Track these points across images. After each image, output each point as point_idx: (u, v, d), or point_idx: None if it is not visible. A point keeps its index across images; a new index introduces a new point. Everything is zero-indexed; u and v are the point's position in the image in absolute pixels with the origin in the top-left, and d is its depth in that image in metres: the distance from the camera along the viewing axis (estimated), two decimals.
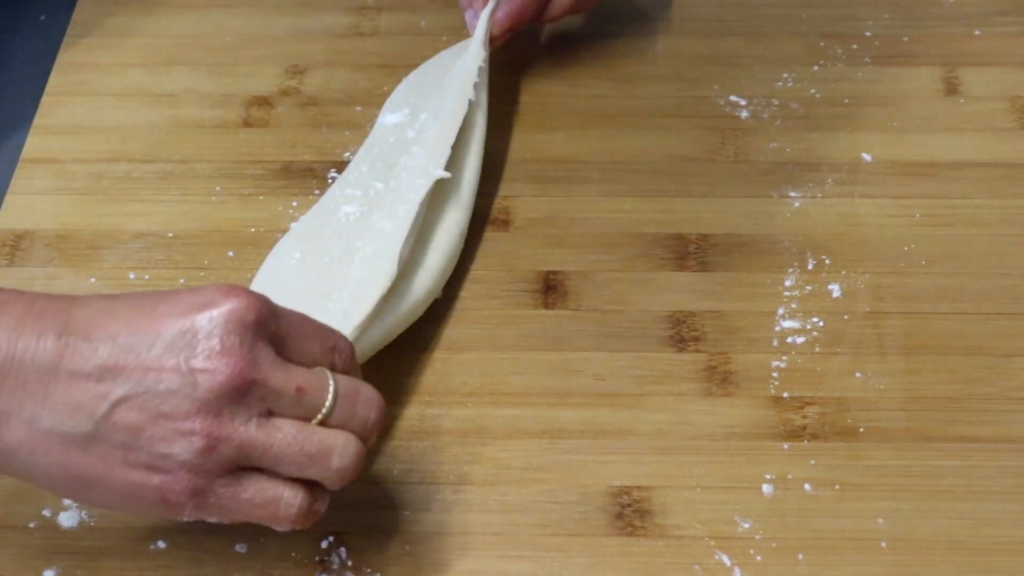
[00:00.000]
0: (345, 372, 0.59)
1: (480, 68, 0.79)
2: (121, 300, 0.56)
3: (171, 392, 0.54)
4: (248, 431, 0.55)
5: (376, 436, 0.59)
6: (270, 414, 0.56)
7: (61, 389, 0.54)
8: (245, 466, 0.56)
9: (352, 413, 0.57)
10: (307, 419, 0.56)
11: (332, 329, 0.60)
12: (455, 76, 0.80)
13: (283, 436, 0.55)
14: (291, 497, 0.56)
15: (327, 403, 0.56)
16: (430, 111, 0.78)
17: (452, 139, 0.75)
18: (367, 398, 0.58)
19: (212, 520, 0.57)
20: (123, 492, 0.56)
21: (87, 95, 0.86)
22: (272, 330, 0.56)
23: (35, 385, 0.54)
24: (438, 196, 0.74)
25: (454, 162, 0.75)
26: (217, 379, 0.54)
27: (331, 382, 0.57)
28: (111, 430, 0.54)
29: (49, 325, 0.55)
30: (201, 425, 0.54)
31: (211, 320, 0.55)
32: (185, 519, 0.57)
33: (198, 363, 0.54)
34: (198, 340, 0.54)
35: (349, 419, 0.57)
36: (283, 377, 0.55)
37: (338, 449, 0.56)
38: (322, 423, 0.56)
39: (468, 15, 0.83)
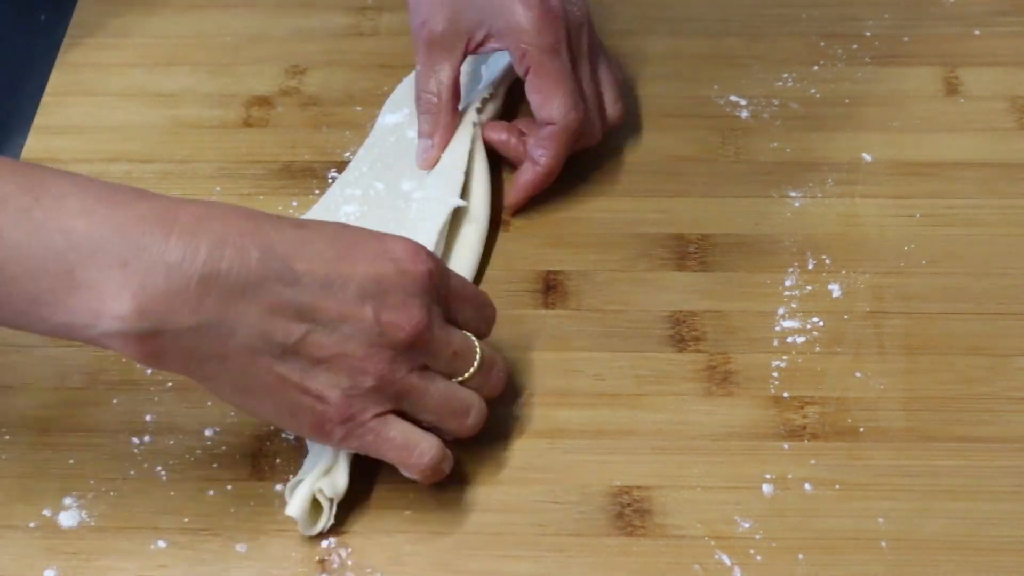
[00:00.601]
0: (486, 335, 0.66)
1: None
2: (314, 232, 0.61)
3: (357, 335, 0.60)
4: (410, 379, 0.62)
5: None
6: (425, 367, 0.62)
7: (260, 312, 0.58)
8: (395, 409, 0.62)
9: (487, 380, 0.65)
10: (452, 377, 0.64)
11: (483, 295, 0.67)
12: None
13: (435, 388, 0.63)
14: (428, 447, 0.63)
15: (472, 368, 0.64)
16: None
17: (464, 166, 0.76)
18: (500, 368, 0.66)
19: (353, 450, 0.63)
20: (289, 409, 0.61)
21: (87, 95, 0.86)
22: (442, 292, 0.63)
23: (236, 300, 0.58)
24: (455, 218, 0.75)
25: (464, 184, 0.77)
26: (399, 332, 0.60)
27: (478, 351, 0.64)
28: (296, 356, 0.59)
29: (251, 243, 0.58)
30: (375, 367, 0.60)
31: (401, 275, 0.61)
32: (330, 446, 0.63)
33: (386, 315, 0.60)
34: (388, 293, 0.60)
35: (484, 384, 0.65)
36: (445, 339, 0.63)
37: (475, 408, 0.64)
38: (463, 383, 0.64)
39: (423, 144, 0.79)
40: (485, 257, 0.76)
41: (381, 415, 0.62)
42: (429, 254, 0.62)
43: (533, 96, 0.77)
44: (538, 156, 0.77)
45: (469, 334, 0.64)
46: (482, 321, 0.66)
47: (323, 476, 0.63)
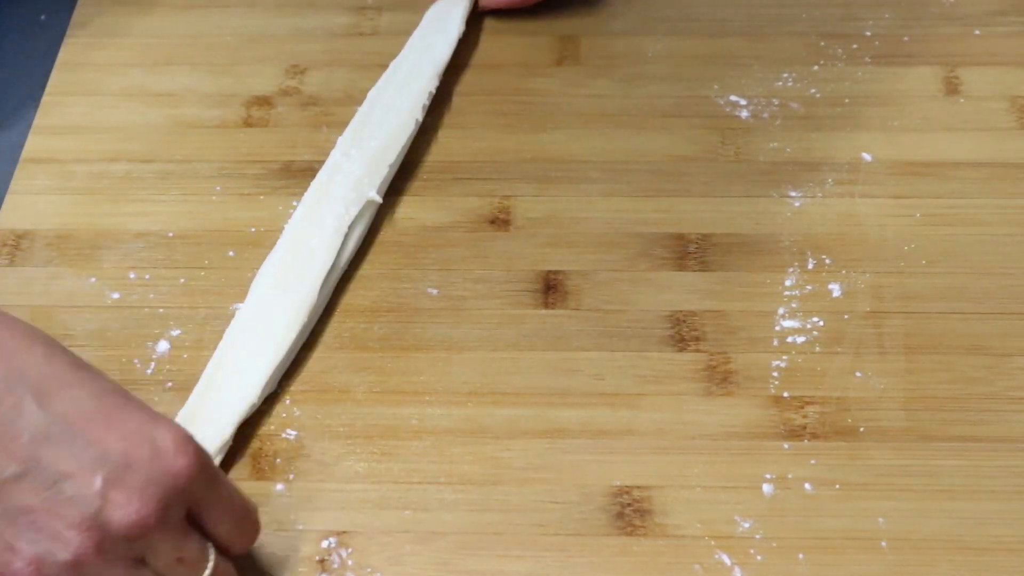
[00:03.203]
0: (238, 552, 0.59)
1: (430, 93, 0.82)
2: (86, 378, 0.56)
3: (73, 502, 0.54)
4: (116, 571, 0.55)
5: None
6: (142, 562, 0.56)
7: None
8: None
9: None
10: None
11: (251, 511, 0.60)
12: (411, 86, 0.82)
13: None
14: None
15: None
16: (384, 106, 0.81)
17: (391, 160, 0.78)
18: None
19: None
20: None
21: (87, 95, 0.86)
22: (199, 495, 0.56)
23: None
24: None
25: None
26: (121, 518, 0.54)
27: (210, 565, 0.57)
28: (1, 494, 0.54)
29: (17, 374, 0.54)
30: (78, 543, 0.54)
31: (152, 461, 0.54)
32: None
33: (115, 494, 0.54)
34: (129, 473, 0.54)
35: None
36: (173, 543, 0.56)
37: None
38: None
39: None
40: (483, 257, 0.76)
41: None
42: (198, 453, 0.56)
43: None
44: None
45: (209, 546, 0.58)
46: (237, 537, 0.59)
47: None
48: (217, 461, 0.66)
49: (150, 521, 0.54)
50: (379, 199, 0.76)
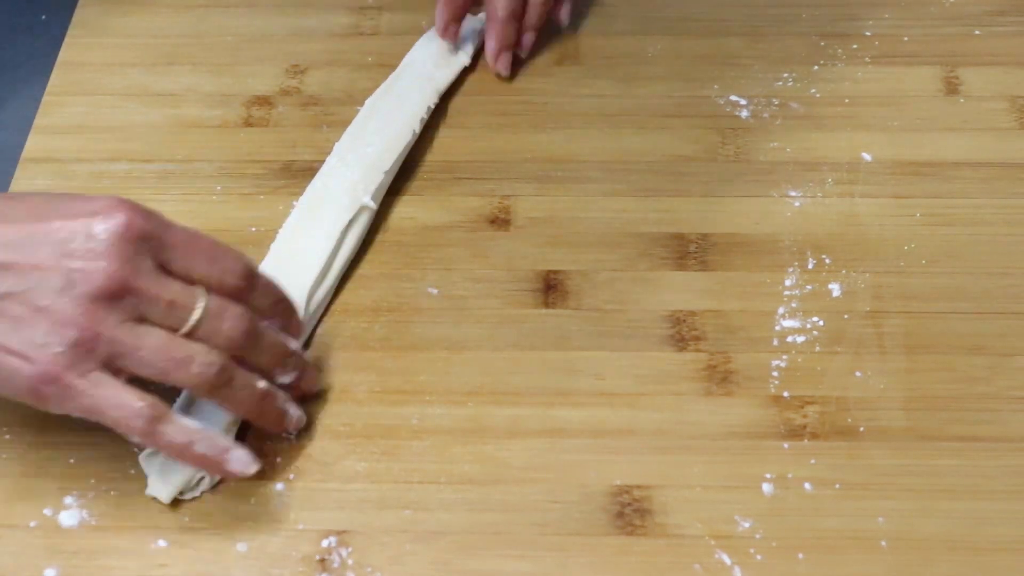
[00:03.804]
0: (238, 290, 0.63)
1: (429, 108, 0.82)
2: (21, 201, 0.61)
3: (51, 288, 0.59)
4: (119, 331, 0.60)
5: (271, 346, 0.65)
6: (142, 320, 0.61)
7: None
8: (112, 367, 0.60)
9: (217, 329, 0.62)
10: (175, 329, 0.61)
11: (227, 249, 0.64)
12: (412, 97, 0.82)
13: (150, 340, 0.60)
14: (143, 407, 0.61)
15: (193, 318, 0.61)
16: (383, 114, 0.81)
17: (387, 167, 0.78)
18: (233, 315, 0.63)
19: (76, 415, 0.61)
20: (6, 375, 0.60)
21: (87, 95, 0.86)
22: (157, 245, 0.61)
23: None
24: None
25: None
26: (93, 280, 0.59)
27: (201, 300, 0.62)
28: None
29: None
30: (75, 318, 0.59)
31: (99, 227, 0.60)
32: (52, 411, 0.61)
33: (76, 264, 0.59)
34: (82, 243, 0.59)
35: (214, 334, 0.62)
36: (157, 288, 0.61)
37: (198, 358, 0.61)
38: (188, 335, 0.61)
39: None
40: (483, 256, 0.76)
41: (92, 372, 0.60)
42: (133, 207, 0.61)
43: None
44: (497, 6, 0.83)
45: (196, 287, 0.62)
46: (218, 273, 0.63)
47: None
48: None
49: (118, 273, 0.59)
50: (374, 205, 0.76)
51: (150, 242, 0.61)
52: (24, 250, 0.59)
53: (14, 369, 0.60)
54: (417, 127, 0.81)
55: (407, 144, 0.80)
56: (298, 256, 0.73)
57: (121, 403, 0.60)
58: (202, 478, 0.65)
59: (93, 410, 0.61)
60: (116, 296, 0.60)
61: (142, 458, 0.66)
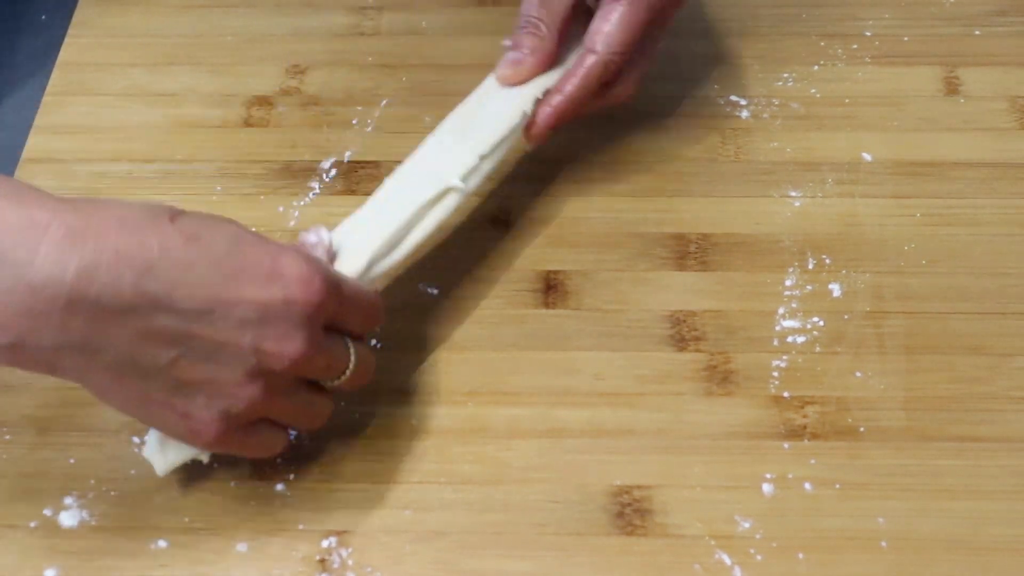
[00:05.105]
0: (370, 334, 0.67)
1: (525, 113, 0.75)
2: (204, 250, 0.58)
3: (233, 363, 0.59)
4: (281, 401, 0.61)
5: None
6: (302, 380, 0.62)
7: (130, 337, 0.56)
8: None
9: (355, 382, 0.64)
10: (320, 381, 0.64)
11: (373, 300, 0.65)
12: (523, 92, 0.75)
13: (297, 399, 0.63)
14: (278, 442, 0.64)
15: (343, 377, 0.63)
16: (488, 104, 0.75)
17: (484, 150, 0.72)
18: (369, 366, 0.65)
19: (220, 452, 0.64)
20: (153, 420, 0.61)
21: (88, 95, 0.86)
22: (331, 311, 0.61)
23: (105, 324, 0.56)
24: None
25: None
26: (279, 362, 0.59)
27: (352, 359, 0.63)
28: (163, 378, 0.58)
29: (127, 266, 0.55)
30: (249, 394, 0.60)
31: (288, 304, 0.59)
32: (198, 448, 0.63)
33: (267, 345, 0.59)
34: (271, 322, 0.59)
35: (350, 385, 0.64)
36: (323, 358, 0.61)
37: (325, 413, 0.65)
38: (328, 387, 0.64)
39: (512, 56, 0.75)
40: (483, 256, 0.76)
41: (251, 424, 0.62)
42: (323, 278, 0.60)
43: (596, 20, 0.73)
44: (565, 84, 0.74)
45: (348, 341, 0.63)
46: (366, 324, 0.65)
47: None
48: None
49: (304, 356, 0.60)
50: (463, 186, 0.71)
51: (329, 311, 0.61)
52: (209, 321, 0.57)
53: (172, 422, 0.60)
54: (518, 118, 0.74)
55: (508, 131, 0.74)
56: (371, 224, 0.70)
57: (262, 444, 0.64)
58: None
59: (239, 451, 0.64)
60: (290, 372, 0.60)
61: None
